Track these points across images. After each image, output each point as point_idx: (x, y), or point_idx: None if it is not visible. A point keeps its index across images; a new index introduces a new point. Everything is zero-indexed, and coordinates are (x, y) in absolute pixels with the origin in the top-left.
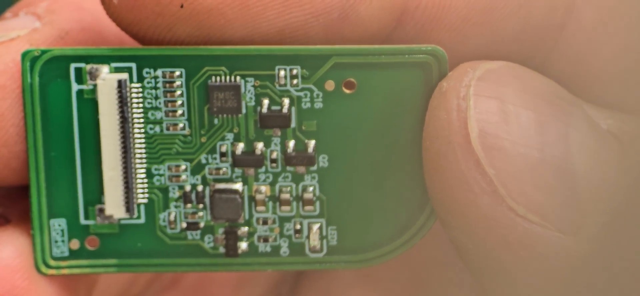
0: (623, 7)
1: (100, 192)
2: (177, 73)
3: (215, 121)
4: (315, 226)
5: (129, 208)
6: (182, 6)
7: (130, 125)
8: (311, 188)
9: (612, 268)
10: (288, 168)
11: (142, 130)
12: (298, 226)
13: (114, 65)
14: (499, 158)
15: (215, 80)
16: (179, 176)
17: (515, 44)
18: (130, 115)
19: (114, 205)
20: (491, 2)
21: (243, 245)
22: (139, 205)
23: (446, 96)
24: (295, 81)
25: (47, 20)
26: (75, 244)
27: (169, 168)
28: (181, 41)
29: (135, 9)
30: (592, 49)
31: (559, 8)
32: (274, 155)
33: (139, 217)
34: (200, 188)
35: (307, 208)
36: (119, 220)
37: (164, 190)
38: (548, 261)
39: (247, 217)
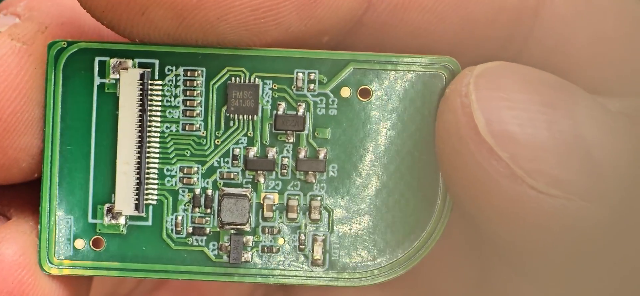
0: None
1: (111, 191)
2: (198, 72)
3: (231, 123)
4: (320, 238)
5: (138, 206)
6: None
7: (148, 119)
8: (319, 198)
9: (637, 230)
10: (298, 174)
11: (159, 129)
12: (302, 237)
13: (138, 60)
14: (509, 142)
15: (235, 80)
16: (190, 178)
17: (489, 28)
18: (148, 110)
19: (123, 201)
20: None
21: (247, 255)
22: (147, 205)
23: (449, 99)
24: (312, 86)
25: (26, 16)
26: (80, 243)
27: (181, 170)
28: (155, 26)
29: None
30: (565, 36)
31: None
32: (285, 161)
33: (146, 218)
34: (209, 192)
35: (314, 217)
36: (127, 220)
37: (174, 193)
38: (578, 231)
39: (253, 224)
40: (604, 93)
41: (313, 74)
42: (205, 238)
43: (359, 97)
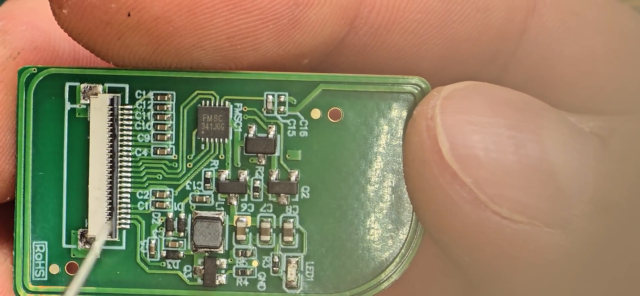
0: (583, 9)
1: (84, 215)
2: (168, 95)
3: (202, 146)
4: (294, 260)
5: (111, 231)
6: (129, 15)
7: (119, 144)
8: (291, 220)
9: (604, 257)
10: (270, 197)
11: (130, 153)
12: (276, 259)
13: (108, 85)
14: (473, 166)
15: (205, 104)
16: (162, 202)
17: (474, 47)
18: (119, 134)
19: (96, 225)
20: (447, 6)
21: (221, 278)
22: (121, 230)
23: (415, 120)
24: (282, 108)
25: (0, 40)
26: (55, 268)
27: (154, 194)
28: (131, 51)
29: (84, 18)
30: (554, 52)
31: (519, 12)
32: (257, 184)
33: (120, 243)
34: (182, 215)
35: (287, 239)
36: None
37: (147, 217)
38: (541, 258)
39: (226, 247)
40: (589, 110)
41: (283, 96)
42: (179, 261)
43: (330, 118)
